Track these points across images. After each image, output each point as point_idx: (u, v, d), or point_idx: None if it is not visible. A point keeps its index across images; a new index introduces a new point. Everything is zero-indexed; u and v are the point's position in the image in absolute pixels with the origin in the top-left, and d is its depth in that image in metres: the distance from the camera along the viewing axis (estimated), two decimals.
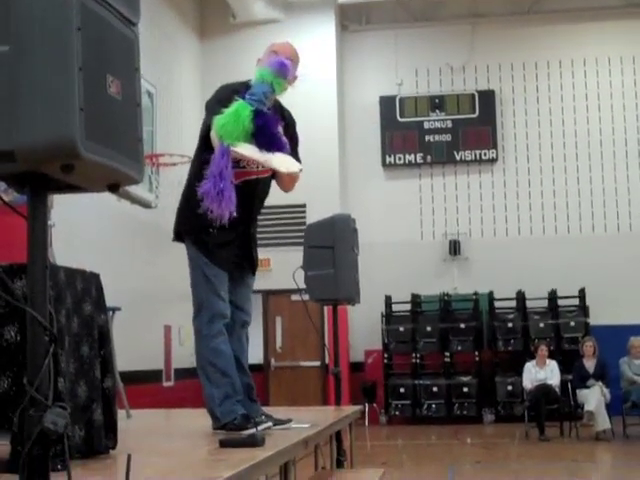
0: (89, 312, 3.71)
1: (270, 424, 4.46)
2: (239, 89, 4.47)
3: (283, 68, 4.45)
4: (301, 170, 4.55)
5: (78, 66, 1.92)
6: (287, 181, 4.73)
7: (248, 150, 4.30)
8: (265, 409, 4.87)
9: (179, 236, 4.72)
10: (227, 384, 4.46)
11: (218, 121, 4.27)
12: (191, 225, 4.58)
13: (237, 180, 4.47)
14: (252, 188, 4.66)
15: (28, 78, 1.90)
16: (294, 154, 4.71)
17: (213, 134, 4.34)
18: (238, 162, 4.52)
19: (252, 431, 4.12)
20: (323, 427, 4.91)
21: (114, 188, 2.16)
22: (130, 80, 2.20)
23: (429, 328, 15.25)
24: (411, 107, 16.28)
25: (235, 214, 4.32)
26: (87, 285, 3.74)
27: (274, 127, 4.38)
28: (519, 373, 13.47)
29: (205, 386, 4.53)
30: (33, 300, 1.97)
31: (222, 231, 4.45)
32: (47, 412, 1.89)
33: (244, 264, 4.76)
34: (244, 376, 4.67)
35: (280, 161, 4.40)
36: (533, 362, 12.97)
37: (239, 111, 4.25)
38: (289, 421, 4.63)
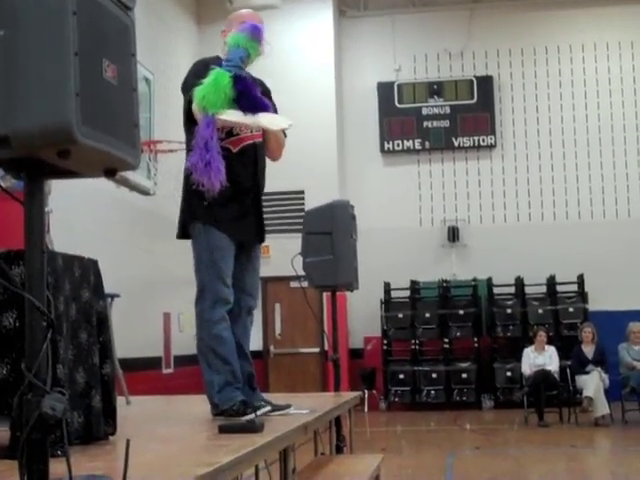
0: (87, 298, 3.71)
1: (268, 407, 4.47)
2: (212, 62, 4.46)
3: (256, 31, 4.43)
4: (290, 125, 4.51)
5: (74, 51, 1.91)
6: (275, 144, 4.73)
7: (234, 116, 4.28)
8: (264, 395, 4.88)
9: (184, 230, 4.64)
10: (227, 371, 4.44)
11: (198, 93, 4.25)
12: (196, 204, 4.48)
13: (236, 148, 4.51)
14: (252, 153, 4.64)
15: (23, 63, 1.90)
16: None
17: (195, 107, 4.31)
18: (231, 131, 4.53)
19: (251, 417, 4.13)
20: (322, 413, 4.91)
21: (110, 173, 2.16)
22: (126, 65, 2.19)
23: (428, 314, 15.27)
24: (409, 93, 16.26)
25: (239, 178, 4.36)
26: (85, 271, 3.74)
27: (255, 90, 4.37)
28: (518, 359, 13.49)
29: (205, 372, 4.51)
30: (31, 286, 1.97)
31: (233, 201, 4.46)
32: (45, 397, 1.89)
33: (253, 231, 4.71)
34: (246, 363, 4.66)
35: (269, 120, 4.39)
36: (532, 348, 12.99)
37: (218, 79, 4.24)
38: (288, 407, 4.63)
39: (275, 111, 4.73)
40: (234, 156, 4.49)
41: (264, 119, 4.36)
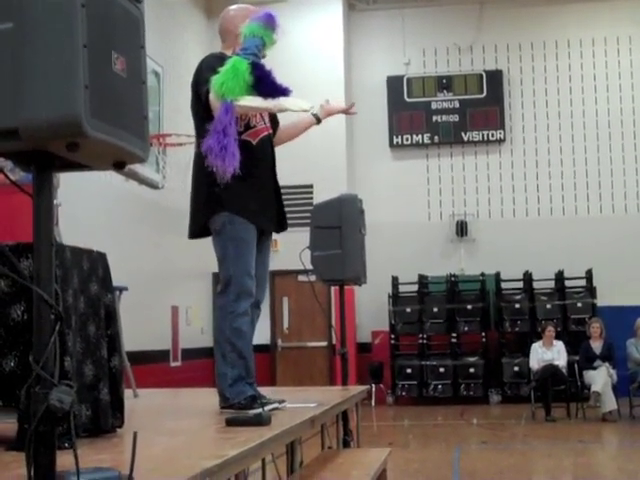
0: (96, 292, 3.71)
1: (279, 405, 4.47)
2: (221, 56, 4.51)
3: (270, 19, 4.44)
4: (312, 107, 4.62)
5: (82, 43, 1.91)
6: (301, 132, 4.95)
7: (255, 101, 4.29)
8: (270, 389, 4.89)
9: (202, 228, 4.60)
10: (241, 365, 4.44)
11: (217, 80, 4.25)
12: (219, 194, 4.44)
13: (255, 140, 4.58)
14: (268, 144, 4.72)
15: (32, 55, 1.89)
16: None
17: (213, 96, 4.30)
18: (248, 123, 4.56)
19: (259, 410, 4.13)
20: (329, 406, 4.92)
21: (120, 166, 2.16)
22: (135, 57, 2.18)
23: (436, 309, 15.26)
24: (418, 87, 16.23)
25: (260, 169, 4.43)
26: (94, 265, 3.74)
27: (273, 76, 4.36)
28: (526, 354, 13.48)
29: (219, 363, 4.49)
30: (39, 278, 1.97)
31: (258, 189, 4.53)
32: (53, 390, 1.89)
33: (279, 219, 4.78)
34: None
35: (291, 102, 4.40)
36: (540, 343, 12.97)
37: (236, 66, 4.24)
38: (282, 402, 4.61)
39: None
40: (255, 148, 4.55)
41: (287, 102, 4.37)
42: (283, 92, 4.36)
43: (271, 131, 4.78)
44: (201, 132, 4.46)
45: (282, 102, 4.36)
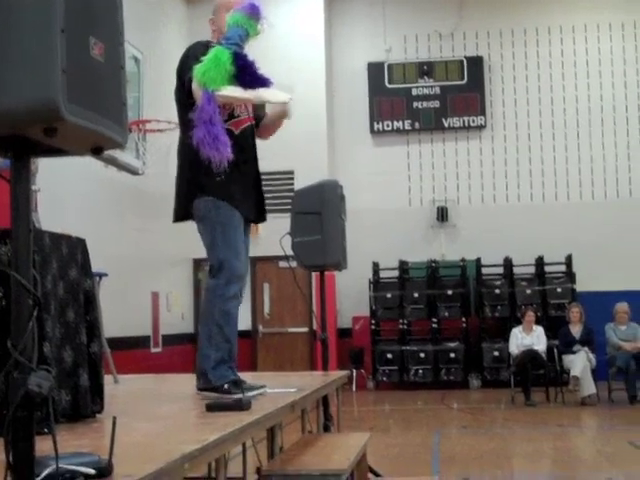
0: (75, 277, 3.71)
1: (261, 391, 4.48)
2: (207, 45, 4.50)
3: (255, 10, 4.44)
4: (291, 99, 4.60)
5: (60, 28, 1.90)
6: (277, 124, 4.91)
7: (235, 92, 4.30)
8: (251, 375, 4.90)
9: (185, 211, 4.62)
10: (225, 349, 4.46)
11: (199, 69, 4.26)
12: (202, 180, 4.47)
13: (237, 129, 4.56)
14: (250, 134, 4.72)
15: (9, 40, 1.88)
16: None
17: (195, 85, 4.31)
18: (232, 113, 4.56)
19: (240, 396, 4.15)
20: (309, 392, 4.94)
21: (98, 151, 2.15)
22: (114, 43, 2.18)
23: (416, 295, 15.31)
24: (399, 73, 16.23)
25: (243, 159, 4.43)
26: (73, 250, 3.74)
27: (255, 66, 4.37)
28: (506, 339, 13.55)
29: (203, 345, 4.50)
30: (17, 264, 1.97)
31: (240, 177, 4.51)
32: (31, 375, 1.89)
33: (260, 209, 4.79)
34: None
35: (270, 93, 4.41)
36: (520, 328, 13.04)
37: (218, 56, 4.26)
38: (262, 387, 4.63)
39: None
40: (237, 137, 4.52)
41: (267, 93, 4.38)
42: (263, 83, 4.37)
43: (254, 122, 4.78)
44: (184, 119, 4.50)
45: (261, 93, 4.36)
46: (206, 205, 4.52)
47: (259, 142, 4.90)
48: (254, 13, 4.43)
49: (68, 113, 1.90)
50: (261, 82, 4.37)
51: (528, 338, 12.82)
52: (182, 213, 4.65)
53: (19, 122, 1.90)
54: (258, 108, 4.88)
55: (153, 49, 13.04)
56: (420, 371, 14.89)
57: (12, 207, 1.98)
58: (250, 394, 4.28)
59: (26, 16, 1.90)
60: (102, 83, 2.11)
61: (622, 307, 12.82)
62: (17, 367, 1.91)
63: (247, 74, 4.30)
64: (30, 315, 1.94)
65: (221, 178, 4.40)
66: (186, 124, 4.45)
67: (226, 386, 4.34)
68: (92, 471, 2.21)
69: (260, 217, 4.84)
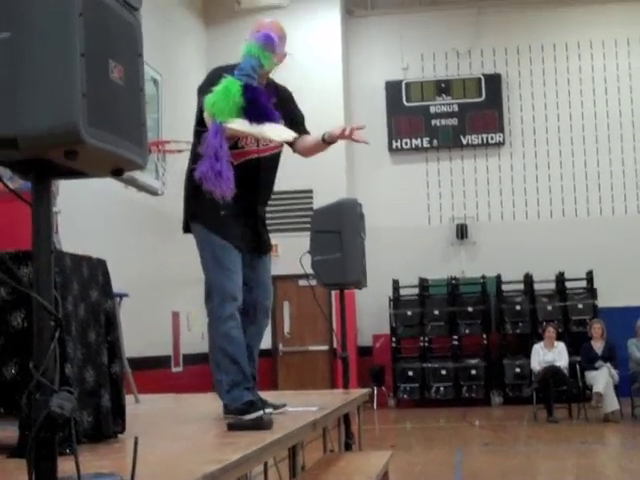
0: (96, 298, 3.73)
1: (273, 409, 4.46)
2: (229, 70, 4.43)
3: (269, 41, 4.41)
4: (295, 138, 4.55)
5: (80, 52, 1.92)
6: (313, 153, 4.85)
7: (240, 125, 4.26)
8: (272, 393, 4.89)
9: (188, 226, 4.68)
10: (235, 371, 4.41)
11: (209, 100, 4.25)
12: (196, 207, 4.53)
13: (237, 161, 4.46)
14: (254, 168, 4.61)
15: (30, 64, 1.91)
16: (297, 128, 4.70)
17: (206, 115, 4.31)
18: (236, 143, 4.51)
19: (260, 414, 4.14)
20: (331, 410, 4.93)
21: (118, 173, 2.17)
22: (133, 65, 2.20)
23: (437, 312, 15.27)
24: (417, 92, 16.25)
25: (236, 192, 4.29)
26: (93, 271, 3.76)
27: (264, 99, 4.33)
28: (527, 355, 13.48)
29: (214, 371, 4.49)
30: (38, 286, 1.98)
31: (229, 208, 4.41)
32: (53, 396, 1.90)
33: (255, 244, 4.70)
34: (251, 367, 4.61)
35: (274, 131, 4.36)
36: (541, 344, 12.97)
37: (228, 87, 4.23)
38: (283, 406, 4.62)
39: (296, 118, 4.77)
40: (234, 169, 4.38)
41: (270, 131, 4.34)
42: (269, 118, 4.33)
43: (265, 154, 4.66)
44: (195, 138, 4.55)
45: (265, 130, 4.32)
46: (197, 230, 4.58)
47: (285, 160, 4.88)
48: (268, 43, 4.40)
49: (88, 136, 1.92)
50: (268, 117, 4.33)
51: (550, 354, 12.75)
52: (186, 227, 4.71)
53: (40, 145, 1.92)
54: (294, 126, 4.77)
55: (172, 70, 13.12)
56: (441, 388, 14.83)
57: (33, 229, 2.00)
58: (269, 412, 4.26)
59: (46, 40, 1.92)
60: (122, 105, 2.13)
61: None
62: (39, 388, 1.92)
63: (255, 107, 4.26)
64: (52, 336, 1.95)
65: (208, 208, 4.39)
66: (195, 147, 4.49)
67: (241, 407, 4.30)
68: None
69: (256, 251, 4.73)
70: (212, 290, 4.51)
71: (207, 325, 4.61)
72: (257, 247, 4.72)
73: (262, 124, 4.30)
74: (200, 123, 4.49)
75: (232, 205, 4.41)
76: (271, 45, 4.42)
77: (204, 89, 4.38)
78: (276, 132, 4.39)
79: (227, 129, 4.23)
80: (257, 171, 4.63)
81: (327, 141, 4.73)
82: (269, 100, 4.40)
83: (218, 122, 4.21)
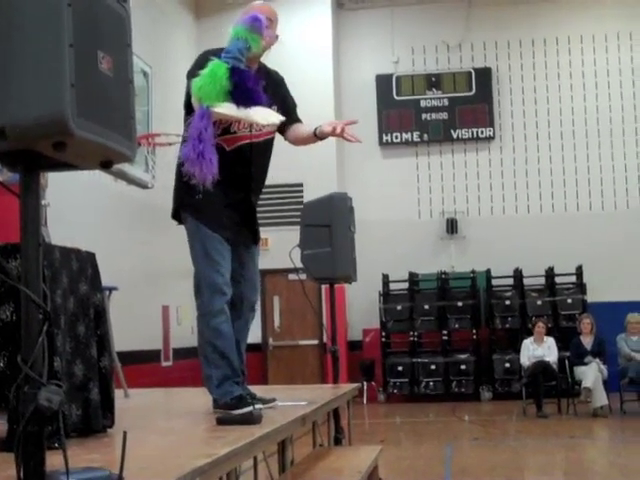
0: (85, 291, 3.71)
1: (270, 404, 4.45)
2: (217, 53, 4.37)
3: (256, 23, 4.34)
4: (281, 121, 4.49)
5: (69, 42, 1.91)
6: (302, 143, 4.77)
7: (227, 109, 4.20)
8: (262, 388, 4.88)
9: (177, 214, 4.61)
10: (225, 365, 4.38)
11: (196, 84, 4.19)
12: (185, 196, 4.46)
13: (230, 147, 4.42)
14: (246, 154, 4.55)
15: (19, 55, 1.89)
16: (289, 114, 4.67)
17: (193, 99, 4.25)
18: (228, 128, 4.45)
19: (249, 409, 4.12)
20: (320, 404, 4.92)
21: (106, 165, 2.15)
22: (122, 57, 2.18)
23: (427, 306, 15.27)
24: (407, 85, 16.24)
25: (229, 180, 4.26)
26: (83, 264, 3.74)
27: (251, 82, 4.27)
28: (516, 350, 13.51)
29: (204, 366, 4.45)
30: (26, 279, 1.97)
31: (218, 196, 4.35)
32: (42, 390, 1.89)
33: (246, 233, 4.65)
34: (239, 361, 4.58)
35: (260, 115, 4.30)
36: (531, 339, 12.99)
37: (214, 70, 4.17)
38: (273, 400, 4.60)
39: (288, 103, 4.73)
40: (227, 154, 4.39)
41: (256, 114, 4.28)
42: (256, 101, 4.28)
43: (258, 139, 4.59)
44: (185, 125, 4.47)
45: (251, 114, 4.26)
46: (188, 221, 4.52)
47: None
48: (255, 25, 4.33)
49: (77, 127, 1.90)
50: (255, 100, 4.27)
51: (539, 349, 12.78)
52: (175, 214, 4.64)
53: (28, 137, 1.91)
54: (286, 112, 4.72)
55: (162, 63, 13.08)
56: (431, 383, 14.84)
57: (21, 221, 1.99)
58: (258, 407, 4.24)
59: (35, 31, 1.91)
60: (111, 97, 2.11)
61: (634, 318, 12.76)
62: (27, 382, 1.91)
63: (242, 91, 4.20)
64: (40, 330, 1.94)
65: (199, 197, 4.29)
66: (183, 140, 4.42)
67: (230, 402, 4.27)
68: None
69: (247, 241, 4.68)
70: (201, 284, 4.47)
71: (196, 319, 4.57)
72: (248, 238, 4.67)
73: (249, 108, 4.24)
74: (188, 108, 4.43)
75: (224, 194, 4.39)
76: (258, 27, 4.34)
77: (192, 73, 4.32)
78: (263, 116, 4.33)
79: (214, 113, 4.18)
80: (250, 157, 4.57)
81: (318, 136, 4.69)
82: (257, 83, 4.33)
83: (205, 106, 4.15)
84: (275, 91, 4.68)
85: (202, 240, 4.45)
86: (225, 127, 4.43)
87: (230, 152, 4.42)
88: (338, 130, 4.53)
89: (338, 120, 14.75)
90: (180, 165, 4.38)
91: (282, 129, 4.71)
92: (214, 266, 4.43)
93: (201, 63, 4.33)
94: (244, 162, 4.53)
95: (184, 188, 4.41)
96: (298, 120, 4.81)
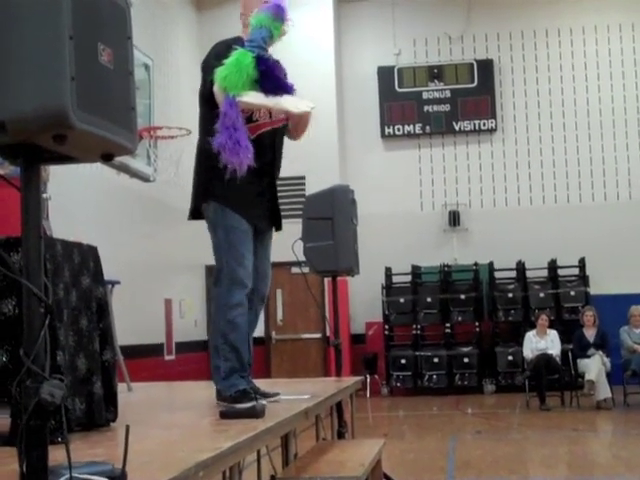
0: (87, 285, 3.70)
1: (274, 399, 4.44)
2: (233, 43, 4.35)
3: (280, 11, 4.34)
4: (313, 108, 4.45)
5: (69, 35, 1.90)
6: (300, 126, 4.67)
7: (256, 98, 4.17)
8: (265, 381, 4.87)
9: (197, 211, 4.57)
10: (235, 358, 4.37)
11: (220, 73, 4.16)
12: (214, 185, 4.42)
13: (253, 134, 4.38)
14: (270, 140, 4.57)
15: (18, 48, 1.88)
16: None
17: (217, 88, 4.21)
18: (250, 117, 4.42)
19: (253, 403, 4.11)
20: (323, 398, 4.92)
21: (107, 158, 2.14)
22: (122, 49, 2.17)
23: (429, 299, 15.27)
24: (409, 77, 16.22)
25: (254, 165, 4.24)
26: (85, 258, 3.73)
27: (278, 71, 4.27)
28: (519, 343, 13.50)
29: (213, 356, 4.44)
30: (28, 272, 1.96)
31: (248, 184, 4.35)
32: (44, 384, 1.88)
33: (271, 219, 4.68)
34: (247, 354, 4.57)
35: (292, 103, 4.28)
36: (534, 332, 12.98)
37: (240, 59, 4.14)
38: (276, 394, 4.59)
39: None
40: (252, 143, 4.34)
41: (287, 102, 4.26)
42: (286, 89, 4.27)
43: (278, 125, 4.62)
44: (205, 120, 4.44)
45: (282, 102, 4.24)
46: (213, 209, 4.48)
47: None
48: (279, 14, 4.32)
49: (77, 120, 1.89)
50: (283, 89, 4.26)
51: (542, 342, 12.77)
52: (195, 213, 4.61)
53: (29, 129, 1.89)
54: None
55: (164, 56, 13.06)
56: (434, 376, 14.84)
57: (22, 214, 1.98)
58: (262, 402, 4.23)
59: (34, 24, 1.89)
60: (111, 89, 2.10)
61: (638, 310, 12.74)
62: (30, 376, 1.90)
63: (269, 79, 4.20)
64: (42, 323, 1.93)
65: (229, 184, 4.28)
66: (206, 127, 4.38)
67: (235, 395, 4.27)
68: None
69: (272, 225, 4.73)
70: (222, 274, 4.43)
71: (212, 309, 4.54)
72: (273, 221, 4.71)
73: (278, 96, 4.23)
74: (205, 100, 4.40)
75: (252, 182, 4.38)
76: (282, 15, 4.35)
77: (212, 63, 4.28)
78: (293, 103, 4.30)
79: (241, 103, 4.14)
80: (272, 142, 4.59)
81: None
82: (282, 72, 4.36)
83: (231, 96, 4.11)
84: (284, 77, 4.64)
85: (226, 227, 4.42)
86: (247, 116, 4.39)
87: (254, 140, 4.38)
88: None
89: (339, 112, 14.66)
90: (204, 156, 4.35)
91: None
92: (237, 257, 4.40)
93: (221, 53, 4.29)
94: (268, 149, 4.56)
95: (211, 178, 4.38)
96: None
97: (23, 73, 1.88)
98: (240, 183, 4.28)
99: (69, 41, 1.90)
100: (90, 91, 1.96)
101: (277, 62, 4.55)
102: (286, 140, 4.90)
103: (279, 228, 4.77)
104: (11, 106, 1.87)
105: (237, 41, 4.39)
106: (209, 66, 4.35)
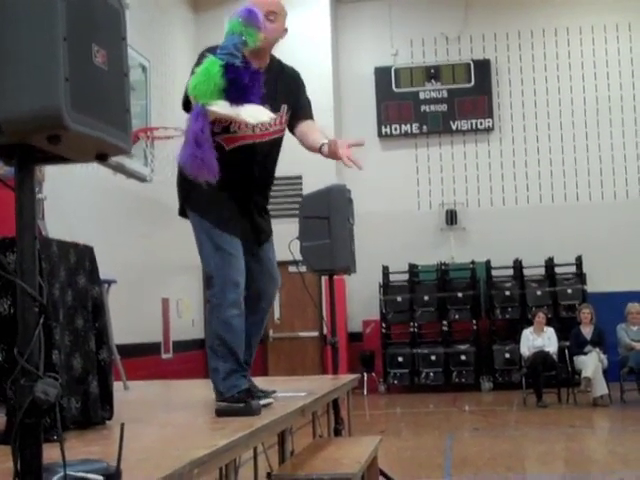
0: (83, 285, 3.72)
1: (272, 400, 4.42)
2: (214, 50, 4.21)
3: (251, 16, 4.16)
4: (272, 118, 4.31)
5: (63, 36, 1.91)
6: (332, 157, 4.45)
7: (222, 107, 4.05)
8: (262, 379, 4.88)
9: (183, 210, 4.52)
10: (232, 359, 4.30)
11: (190, 82, 4.08)
12: (188, 193, 4.37)
13: (229, 146, 4.30)
14: (248, 153, 4.40)
15: (12, 49, 1.89)
16: (297, 113, 4.56)
17: (191, 98, 4.12)
18: (228, 127, 4.33)
19: (249, 400, 4.10)
20: (319, 395, 4.93)
21: (102, 158, 2.16)
22: (117, 50, 2.18)
23: (427, 297, 15.29)
24: (406, 77, 16.23)
25: (229, 179, 4.15)
26: (81, 258, 3.75)
27: (247, 79, 4.11)
28: (517, 341, 13.52)
29: (211, 358, 4.34)
30: (22, 272, 1.98)
31: (220, 194, 4.25)
32: (38, 382, 1.89)
33: (253, 234, 4.52)
34: (246, 353, 4.51)
35: (249, 112, 4.13)
36: (531, 329, 13.01)
37: (208, 68, 4.02)
38: (273, 392, 4.58)
39: (301, 102, 4.61)
40: (226, 154, 4.25)
41: (245, 112, 4.11)
42: (249, 99, 4.12)
43: (262, 139, 4.44)
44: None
45: (241, 113, 4.10)
46: (193, 217, 4.42)
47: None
48: (250, 19, 4.15)
49: (71, 121, 1.91)
50: (248, 98, 4.11)
51: (539, 339, 12.79)
52: (182, 211, 4.54)
53: (23, 130, 1.91)
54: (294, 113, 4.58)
55: (160, 57, 13.07)
56: (431, 374, 14.87)
57: (17, 215, 1.99)
58: (262, 402, 4.20)
59: (29, 25, 1.91)
60: (105, 90, 2.11)
61: (635, 307, 12.78)
62: (24, 374, 1.92)
63: (236, 89, 4.05)
64: (36, 323, 1.95)
65: (206, 196, 4.21)
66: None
67: (238, 395, 4.22)
68: (100, 478, 2.21)
69: (252, 240, 4.53)
70: (213, 277, 4.35)
71: (207, 310, 4.47)
72: (254, 237, 4.55)
73: (240, 106, 4.10)
74: (186, 107, 4.32)
75: (225, 191, 4.28)
76: (253, 19, 4.16)
77: (192, 71, 4.21)
78: (251, 114, 4.14)
79: (209, 112, 4.06)
80: (252, 157, 4.43)
81: (322, 153, 4.48)
82: (255, 79, 4.17)
83: (200, 105, 4.03)
84: (287, 87, 4.57)
85: (209, 234, 4.34)
86: (225, 126, 4.31)
87: (230, 152, 4.29)
88: (342, 155, 4.30)
89: (336, 112, 14.64)
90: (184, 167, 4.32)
91: (291, 124, 4.58)
92: (225, 257, 4.31)
93: (198, 61, 4.19)
94: (245, 162, 4.40)
95: (186, 186, 4.33)
96: (309, 118, 4.66)
97: (17, 74, 1.89)
98: (212, 193, 4.20)
99: (63, 42, 1.91)
100: (84, 92, 1.98)
101: (256, 70, 4.29)
102: (286, 140, 4.83)
103: (259, 243, 4.60)
104: (6, 107, 1.88)
105: (216, 49, 4.30)
106: (191, 73, 4.28)
